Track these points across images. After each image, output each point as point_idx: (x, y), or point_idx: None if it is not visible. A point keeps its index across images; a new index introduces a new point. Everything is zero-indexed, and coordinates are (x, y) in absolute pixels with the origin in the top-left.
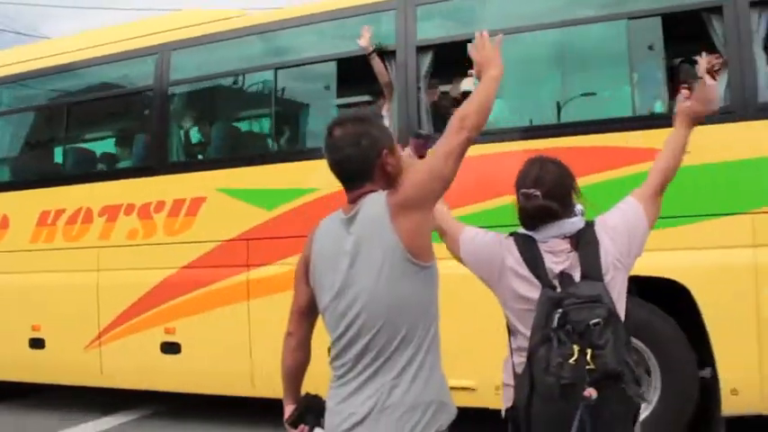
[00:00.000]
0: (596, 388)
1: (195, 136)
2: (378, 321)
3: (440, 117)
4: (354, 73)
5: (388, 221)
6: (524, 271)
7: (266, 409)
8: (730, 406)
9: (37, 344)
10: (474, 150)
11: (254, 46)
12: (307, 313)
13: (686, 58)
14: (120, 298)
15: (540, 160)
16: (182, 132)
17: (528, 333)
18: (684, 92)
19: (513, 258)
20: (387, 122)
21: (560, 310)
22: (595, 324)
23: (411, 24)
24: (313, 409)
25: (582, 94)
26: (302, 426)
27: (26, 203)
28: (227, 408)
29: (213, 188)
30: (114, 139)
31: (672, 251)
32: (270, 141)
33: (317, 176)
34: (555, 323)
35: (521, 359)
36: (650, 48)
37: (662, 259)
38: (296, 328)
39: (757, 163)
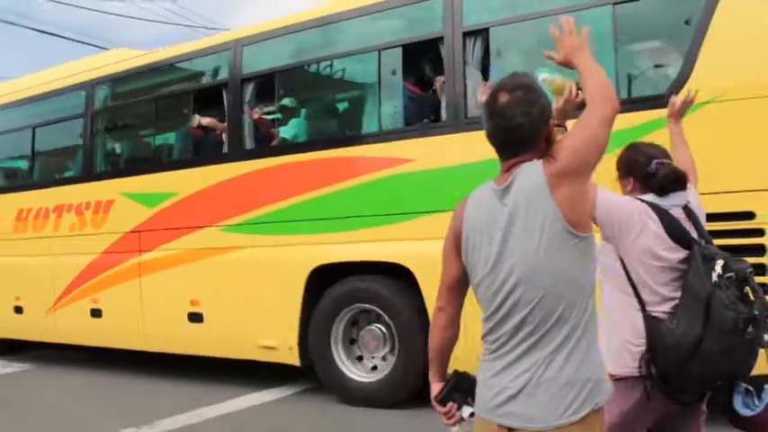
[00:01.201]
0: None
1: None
2: (536, 295)
3: None
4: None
5: (547, 191)
6: (663, 233)
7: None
8: None
9: (18, 310)
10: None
11: None
12: (457, 288)
13: (428, 78)
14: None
15: (643, 143)
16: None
17: (656, 287)
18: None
19: (653, 221)
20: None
21: (721, 261)
22: (751, 271)
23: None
24: (462, 386)
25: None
26: (451, 403)
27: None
28: None
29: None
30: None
31: (401, 241)
32: None
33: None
34: (720, 271)
35: (655, 307)
36: (393, 73)
37: (392, 247)
38: (447, 303)
39: (468, 167)
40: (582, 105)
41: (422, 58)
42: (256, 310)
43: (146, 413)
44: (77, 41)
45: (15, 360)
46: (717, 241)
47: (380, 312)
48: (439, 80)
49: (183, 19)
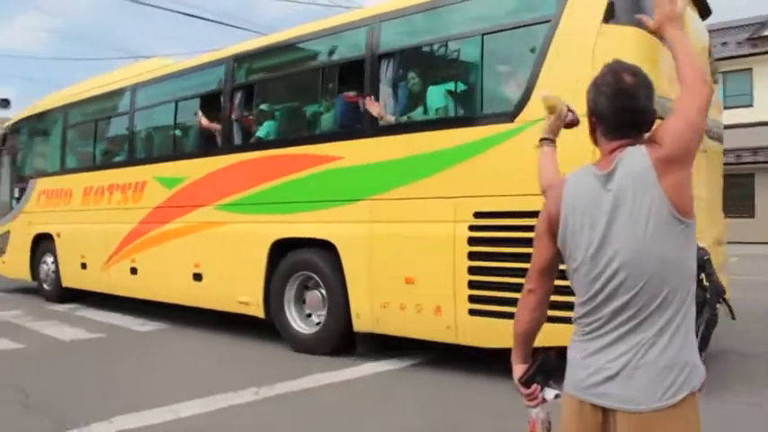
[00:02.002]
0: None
1: None
2: (640, 280)
3: None
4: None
5: (653, 177)
6: None
7: None
8: (357, 325)
9: (83, 266)
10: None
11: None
12: (548, 271)
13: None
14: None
15: None
16: None
17: None
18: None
19: None
20: None
21: None
22: (708, 258)
23: None
24: (546, 367)
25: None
26: (535, 385)
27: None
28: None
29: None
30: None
31: (331, 223)
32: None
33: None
34: None
35: None
36: (330, 86)
37: (324, 228)
38: (537, 285)
39: (382, 165)
40: (570, 125)
41: (355, 76)
42: (235, 272)
43: (266, 376)
44: (216, 22)
45: (153, 319)
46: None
47: (317, 279)
48: (363, 95)
49: None
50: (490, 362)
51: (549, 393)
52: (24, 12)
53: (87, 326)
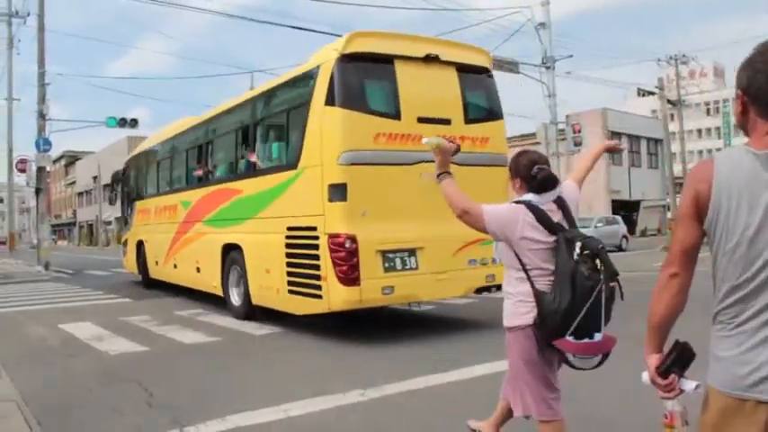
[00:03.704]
0: (607, 283)
1: None
2: None
3: None
4: None
5: None
6: (537, 224)
7: None
8: (253, 300)
9: (156, 263)
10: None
11: None
12: (692, 253)
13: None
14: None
15: (530, 151)
16: None
17: (542, 264)
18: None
19: (529, 217)
20: None
21: (579, 243)
22: (602, 247)
23: None
24: (684, 357)
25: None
26: (672, 375)
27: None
28: None
29: None
30: None
31: (241, 233)
32: None
33: None
34: (579, 251)
35: (541, 282)
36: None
37: (238, 236)
38: (681, 268)
39: (263, 194)
40: (454, 153)
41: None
42: (210, 267)
43: (373, 378)
44: (326, 33)
45: (268, 324)
46: (301, 240)
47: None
48: (251, 150)
49: (425, 3)
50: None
51: (689, 385)
52: (149, 38)
53: (208, 330)
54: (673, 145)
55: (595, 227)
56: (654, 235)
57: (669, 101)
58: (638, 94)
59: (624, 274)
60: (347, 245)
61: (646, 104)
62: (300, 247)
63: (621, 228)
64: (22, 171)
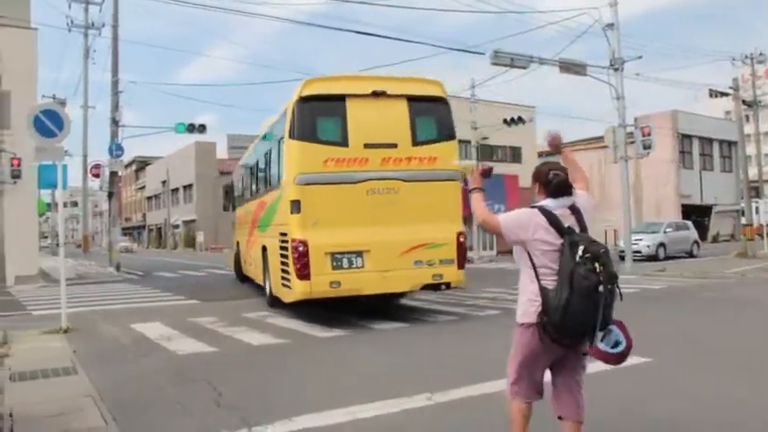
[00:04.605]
0: (606, 285)
1: None
2: None
3: None
4: None
5: None
6: (549, 226)
7: None
8: (273, 292)
9: (245, 261)
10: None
11: None
12: None
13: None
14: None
15: (550, 162)
16: None
17: (550, 264)
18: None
19: (541, 219)
20: None
21: (582, 246)
22: (604, 251)
23: None
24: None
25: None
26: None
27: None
28: None
29: None
30: None
31: (266, 237)
32: None
33: None
34: (581, 253)
35: (547, 280)
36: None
37: (265, 239)
38: None
39: (270, 206)
40: (485, 173)
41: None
42: (258, 263)
43: (440, 382)
44: (389, 38)
45: (334, 327)
46: (285, 245)
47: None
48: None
49: (489, 6)
50: None
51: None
52: (217, 46)
53: (274, 332)
54: (748, 148)
55: (665, 232)
56: (727, 241)
57: (744, 101)
58: (710, 95)
59: (695, 281)
60: (300, 248)
61: (719, 106)
62: (283, 249)
63: (692, 233)
64: (96, 176)
